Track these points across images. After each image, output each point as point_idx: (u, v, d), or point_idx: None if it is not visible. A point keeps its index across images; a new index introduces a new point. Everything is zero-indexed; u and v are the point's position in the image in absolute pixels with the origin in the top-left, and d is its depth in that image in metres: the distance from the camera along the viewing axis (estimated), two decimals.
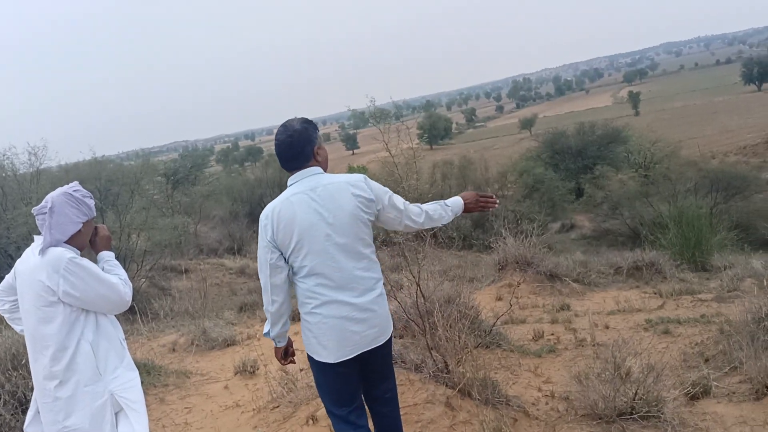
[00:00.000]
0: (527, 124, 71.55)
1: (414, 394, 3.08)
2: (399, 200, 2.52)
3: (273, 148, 2.48)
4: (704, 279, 6.83)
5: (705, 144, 35.46)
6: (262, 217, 2.38)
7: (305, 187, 2.36)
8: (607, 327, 4.86)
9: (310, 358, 2.49)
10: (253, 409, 4.33)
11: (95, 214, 2.45)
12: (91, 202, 2.43)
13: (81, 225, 2.38)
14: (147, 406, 5.24)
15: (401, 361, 3.32)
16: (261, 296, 2.47)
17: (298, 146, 2.39)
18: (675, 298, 5.57)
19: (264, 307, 2.46)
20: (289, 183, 2.42)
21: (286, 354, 2.61)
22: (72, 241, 2.37)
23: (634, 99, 75.27)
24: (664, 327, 4.53)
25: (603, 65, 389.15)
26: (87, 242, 2.46)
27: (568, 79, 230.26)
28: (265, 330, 2.53)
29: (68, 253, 2.27)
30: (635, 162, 26.76)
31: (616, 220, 20.21)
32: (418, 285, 3.27)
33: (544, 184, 23.30)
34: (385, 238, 3.45)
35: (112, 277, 2.37)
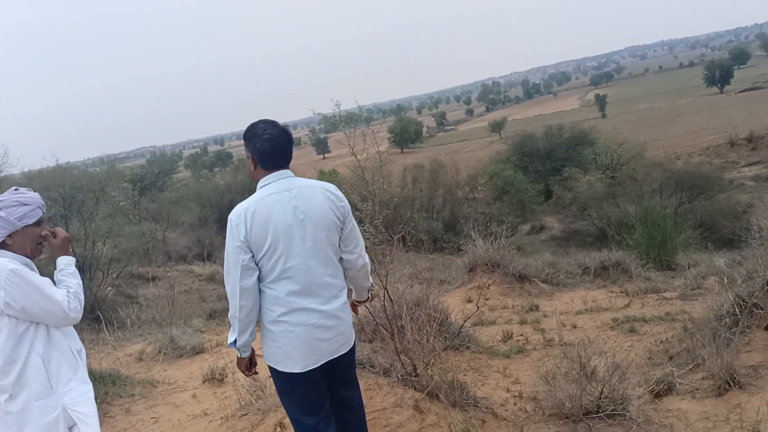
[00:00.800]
0: (497, 127, 72.27)
1: (382, 399, 3.05)
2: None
3: (253, 148, 2.36)
4: (669, 277, 6.97)
5: (670, 145, 36.33)
6: (232, 217, 2.29)
7: (281, 188, 2.31)
8: (574, 327, 4.91)
9: (272, 370, 2.41)
10: (221, 418, 4.26)
11: (28, 222, 2.29)
12: (18, 212, 2.27)
13: (3, 238, 2.26)
14: (112, 417, 5.12)
15: (370, 366, 3.29)
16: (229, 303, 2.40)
17: (291, 143, 2.40)
18: (641, 297, 5.67)
19: (230, 314, 2.36)
20: (261, 184, 2.35)
21: (250, 364, 2.50)
22: (12, 250, 2.28)
23: (600, 102, 76.65)
24: (630, 326, 4.60)
25: (570, 69, 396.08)
26: (30, 250, 2.33)
27: (537, 82, 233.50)
28: (230, 339, 2.40)
29: (11, 264, 2.18)
30: (602, 164, 27.26)
31: (585, 221, 20.54)
32: (386, 289, 3.25)
33: (514, 187, 23.55)
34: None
35: (59, 291, 2.25)
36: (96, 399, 5.25)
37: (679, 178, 19.32)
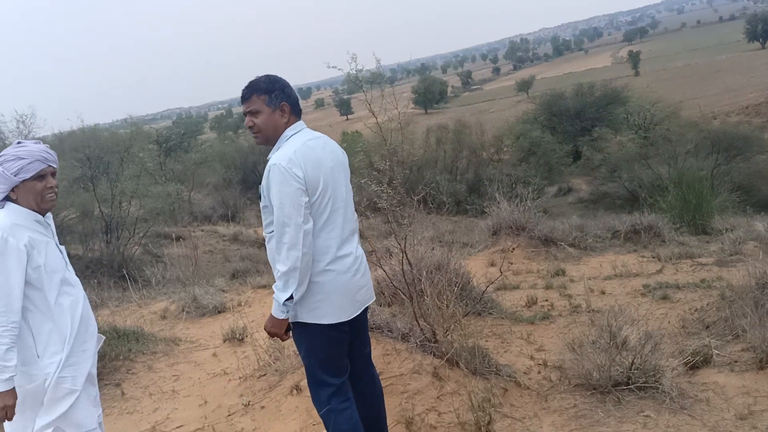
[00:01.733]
0: (524, 86, 70.44)
1: (400, 364, 2.94)
2: None
3: (288, 97, 2.34)
4: (704, 242, 6.67)
5: (706, 104, 34.95)
6: (281, 162, 2.15)
7: (312, 135, 2.33)
8: (603, 292, 4.72)
9: (309, 327, 2.26)
10: (240, 378, 4.26)
11: (25, 176, 2.19)
12: (14, 166, 2.17)
13: (5, 194, 2.19)
14: (135, 373, 5.18)
15: (388, 330, 3.18)
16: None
17: None
18: (674, 262, 5.41)
19: (289, 267, 2.14)
20: (290, 133, 2.29)
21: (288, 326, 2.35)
22: (20, 205, 2.21)
23: (634, 59, 73.93)
24: (662, 292, 4.37)
25: (602, 24, 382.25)
26: (36, 204, 2.23)
27: (567, 39, 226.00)
28: (285, 296, 2.16)
29: (5, 233, 2.10)
30: (635, 123, 26.36)
31: (614, 183, 19.99)
32: (404, 252, 3.10)
33: (541, 148, 22.99)
34: (369, 204, 3.26)
35: (13, 296, 2.10)
36: (119, 356, 5.29)
37: (715, 138, 18.54)
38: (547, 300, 4.73)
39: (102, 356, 5.02)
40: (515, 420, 2.63)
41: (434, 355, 2.96)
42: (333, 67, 2.90)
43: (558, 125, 28.38)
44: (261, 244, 13.53)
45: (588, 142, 26.73)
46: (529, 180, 16.47)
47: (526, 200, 7.17)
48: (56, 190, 2.31)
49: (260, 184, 2.27)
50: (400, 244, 3.07)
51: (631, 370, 2.65)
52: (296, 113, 2.35)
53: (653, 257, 6.07)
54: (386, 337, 3.16)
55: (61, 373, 2.19)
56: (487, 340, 3.52)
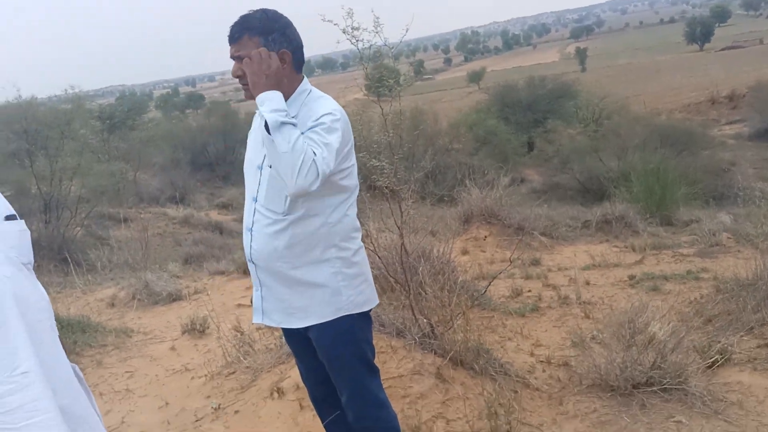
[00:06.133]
0: (476, 77, 70.78)
1: (398, 364, 2.65)
2: None
3: (291, 43, 1.83)
4: (672, 233, 6.69)
5: (650, 101, 36.00)
6: (336, 110, 1.75)
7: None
8: (587, 283, 4.57)
9: (355, 322, 1.83)
10: (205, 375, 3.86)
11: None
12: None
13: None
14: (82, 370, 4.71)
15: (380, 325, 2.88)
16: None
17: None
18: (653, 253, 5.35)
19: (311, 178, 1.81)
20: (307, 88, 1.85)
21: None
22: None
23: (581, 55, 75.52)
24: (651, 284, 4.26)
25: (550, 21, 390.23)
26: None
27: (516, 33, 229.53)
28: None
29: None
30: (584, 117, 26.86)
31: (566, 175, 20.32)
32: (402, 238, 2.79)
33: (497, 137, 23.09)
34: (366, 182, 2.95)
35: None
36: (63, 348, 4.82)
37: (663, 133, 19.09)
38: (530, 290, 4.54)
39: None
40: (533, 428, 2.38)
41: (435, 353, 2.68)
42: (329, 21, 2.52)
43: (511, 116, 28.57)
44: (215, 227, 12.91)
45: (541, 133, 27.09)
46: (487, 168, 16.42)
47: (497, 188, 7.04)
48: None
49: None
50: (399, 229, 2.76)
51: (652, 369, 2.45)
52: (298, 67, 1.83)
53: (626, 247, 6.02)
54: (379, 332, 2.86)
55: None
56: (480, 335, 3.27)
